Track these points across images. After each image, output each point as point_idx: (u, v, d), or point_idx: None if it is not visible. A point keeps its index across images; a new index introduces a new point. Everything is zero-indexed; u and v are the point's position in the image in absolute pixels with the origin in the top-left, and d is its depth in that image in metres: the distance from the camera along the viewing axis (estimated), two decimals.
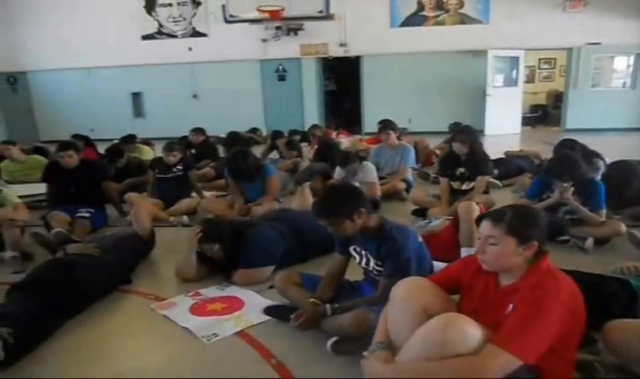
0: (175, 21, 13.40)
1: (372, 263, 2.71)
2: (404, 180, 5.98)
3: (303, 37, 13.00)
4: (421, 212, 4.97)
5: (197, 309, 3.08)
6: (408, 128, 9.98)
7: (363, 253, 2.76)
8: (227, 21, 12.36)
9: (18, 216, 4.11)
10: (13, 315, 2.65)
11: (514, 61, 12.65)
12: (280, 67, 13.49)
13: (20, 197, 5.20)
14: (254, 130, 11.41)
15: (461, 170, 5.07)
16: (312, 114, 13.42)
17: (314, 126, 9.08)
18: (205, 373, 2.44)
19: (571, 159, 4.03)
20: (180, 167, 5.53)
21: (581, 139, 10.07)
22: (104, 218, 5.03)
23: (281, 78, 13.57)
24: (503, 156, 7.38)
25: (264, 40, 13.11)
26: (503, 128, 12.27)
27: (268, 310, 2.92)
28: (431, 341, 1.78)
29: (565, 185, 3.91)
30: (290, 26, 12.75)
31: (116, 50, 13.41)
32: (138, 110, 13.98)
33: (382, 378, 1.84)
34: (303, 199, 4.47)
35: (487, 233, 1.96)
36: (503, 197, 5.32)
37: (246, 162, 4.93)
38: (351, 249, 2.83)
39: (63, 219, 4.54)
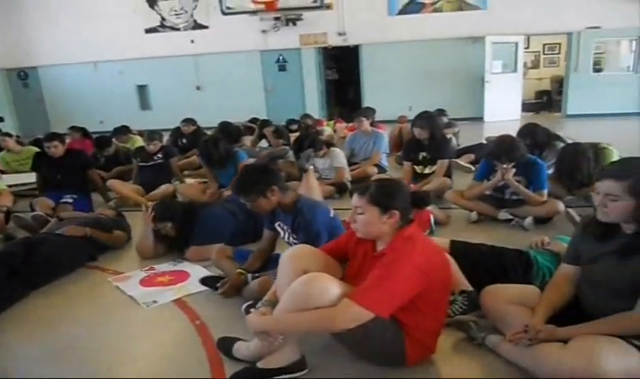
0: (176, 14, 13.74)
1: (290, 236, 3.00)
2: (377, 165, 6.24)
3: (302, 27, 13.23)
4: None
5: (146, 281, 3.43)
6: (408, 116, 10.14)
7: (285, 228, 3.06)
8: (224, 13, 12.65)
9: (2, 202, 4.50)
10: None
11: (513, 47, 12.70)
12: (281, 57, 13.75)
13: (14, 185, 5.68)
14: (254, 120, 11.67)
15: (424, 154, 5.32)
16: (313, 103, 13.70)
17: (305, 116, 9.35)
18: (137, 330, 2.81)
19: (509, 141, 4.23)
20: (160, 156, 5.89)
21: (582, 125, 10.27)
22: (88, 204, 5.36)
23: (282, 68, 13.84)
24: (484, 141, 7.56)
25: (264, 31, 13.38)
26: (503, 114, 12.34)
27: (203, 281, 3.24)
28: (296, 296, 2.06)
29: (505, 166, 4.12)
30: (289, 16, 12.97)
31: (121, 44, 13.82)
32: (145, 102, 14.41)
33: (257, 329, 2.13)
34: None
35: (354, 204, 2.22)
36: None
37: (217, 148, 5.18)
38: (276, 225, 3.12)
39: (47, 205, 4.93)
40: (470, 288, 2.70)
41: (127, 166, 6.44)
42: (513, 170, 4.13)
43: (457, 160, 6.58)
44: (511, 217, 4.30)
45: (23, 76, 14.63)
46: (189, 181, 6.17)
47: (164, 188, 5.56)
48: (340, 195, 5.38)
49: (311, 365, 2.29)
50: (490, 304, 2.43)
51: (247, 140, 8.52)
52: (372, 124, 6.69)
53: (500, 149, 4.17)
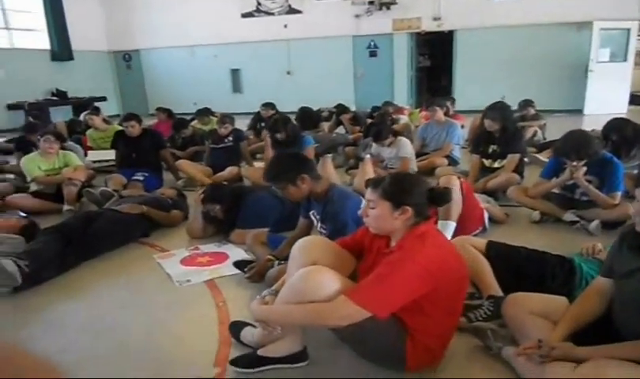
0: None
1: (321, 226, 2.96)
2: (448, 156, 6.00)
3: (396, 11, 12.99)
4: None
5: (187, 261, 3.53)
6: None
7: (317, 217, 3.01)
8: None
9: (76, 176, 4.83)
10: (37, 251, 3.28)
11: (625, 33, 11.66)
12: (372, 43, 13.60)
13: (97, 161, 6.07)
14: (339, 106, 11.65)
15: (494, 147, 5.03)
16: (402, 90, 13.45)
17: (387, 103, 9.18)
18: (162, 306, 2.91)
19: (580, 136, 3.88)
20: (231, 139, 6.03)
21: None
22: (158, 182, 5.61)
23: (372, 54, 13.68)
24: None
25: (357, 16, 13.30)
26: (606, 107, 11.31)
27: (236, 264, 3.29)
28: (294, 288, 2.01)
29: (574, 164, 3.79)
30: (382, 0, 12.79)
31: (218, 29, 14.28)
32: (237, 85, 14.84)
33: (256, 317, 2.12)
34: (323, 170, 4.70)
35: (368, 197, 2.13)
36: None
37: (285, 128, 5.23)
38: (310, 213, 3.09)
39: (120, 181, 5.25)
40: (500, 294, 2.53)
41: (201, 148, 6.67)
42: (584, 168, 3.78)
43: (537, 155, 6.20)
44: (577, 219, 3.95)
45: (127, 59, 15.60)
46: (257, 164, 6.27)
47: (229, 170, 5.68)
48: None
49: (316, 359, 2.25)
50: (511, 312, 2.25)
51: (327, 126, 8.52)
52: (447, 113, 6.42)
53: (569, 145, 3.83)
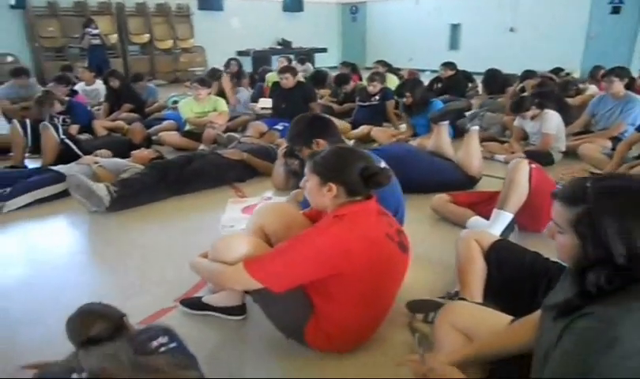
0: None
1: None
2: (616, 138, 5.08)
3: None
4: None
5: (249, 209, 3.76)
6: None
7: None
8: None
9: (216, 120, 5.42)
10: (130, 181, 3.91)
11: None
12: None
13: (264, 108, 6.67)
14: (557, 70, 10.44)
15: None
16: None
17: (596, 68, 8.01)
18: (190, 243, 3.22)
19: None
20: (377, 97, 6.04)
21: None
22: None
23: (615, 10, 11.87)
24: None
25: None
26: None
27: None
28: (213, 247, 2.12)
29: None
30: None
31: None
32: (454, 41, 14.33)
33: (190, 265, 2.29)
34: (437, 139, 4.41)
35: (306, 168, 2.09)
36: None
37: (412, 93, 5.11)
38: None
39: (258, 128, 5.73)
40: (476, 299, 2.22)
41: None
42: None
43: None
44: None
45: (353, 11, 16.15)
46: (403, 126, 6.16)
47: (362, 128, 5.72)
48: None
49: (255, 316, 2.30)
50: (438, 321, 1.97)
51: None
52: (629, 86, 5.35)
53: None
